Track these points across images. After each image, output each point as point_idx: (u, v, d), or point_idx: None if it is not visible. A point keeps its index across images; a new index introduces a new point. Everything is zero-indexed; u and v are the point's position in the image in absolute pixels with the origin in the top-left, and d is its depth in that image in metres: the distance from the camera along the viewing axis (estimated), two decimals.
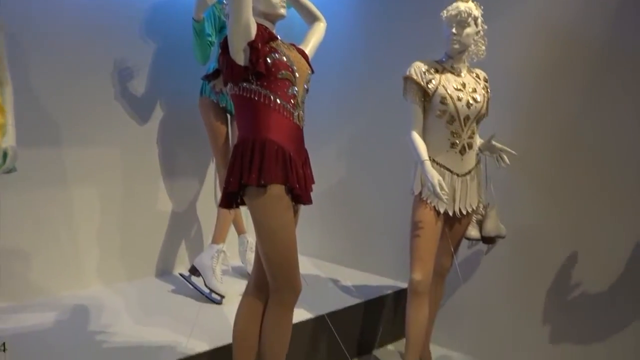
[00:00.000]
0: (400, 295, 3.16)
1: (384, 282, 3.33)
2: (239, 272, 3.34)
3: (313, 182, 2.12)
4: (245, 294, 2.13)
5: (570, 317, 2.72)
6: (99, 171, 3.05)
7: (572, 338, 2.71)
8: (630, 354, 2.54)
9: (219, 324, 2.56)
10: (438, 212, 2.49)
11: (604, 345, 2.61)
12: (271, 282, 2.03)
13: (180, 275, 3.04)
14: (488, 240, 2.70)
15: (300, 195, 1.98)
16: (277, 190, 1.91)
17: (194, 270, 2.97)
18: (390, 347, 3.18)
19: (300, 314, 2.70)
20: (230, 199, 1.99)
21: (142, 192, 3.23)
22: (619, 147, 2.57)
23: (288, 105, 1.96)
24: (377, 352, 3.05)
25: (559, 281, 2.76)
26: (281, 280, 2.00)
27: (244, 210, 2.91)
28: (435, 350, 2.97)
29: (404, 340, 2.61)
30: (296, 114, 1.99)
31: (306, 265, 3.52)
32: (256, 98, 1.93)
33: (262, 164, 1.89)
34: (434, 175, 2.36)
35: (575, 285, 2.71)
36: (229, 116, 3.03)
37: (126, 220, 3.16)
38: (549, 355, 2.79)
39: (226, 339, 2.25)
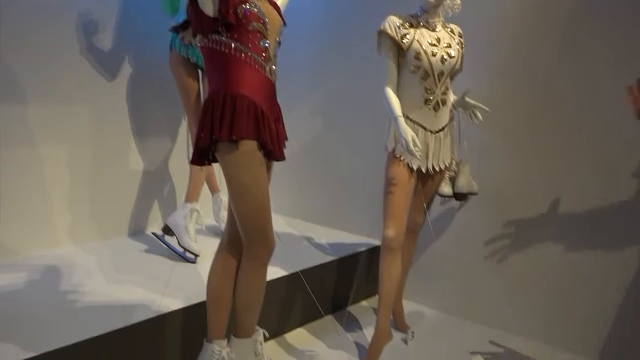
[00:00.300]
0: (373, 253, 3.20)
1: (358, 239, 3.36)
2: (213, 231, 3.33)
3: (286, 139, 2.09)
4: (219, 251, 2.12)
5: (544, 272, 2.79)
6: (67, 129, 2.96)
7: (546, 293, 2.79)
8: (607, 305, 2.62)
9: (193, 282, 2.56)
10: (411, 169, 2.50)
11: (580, 298, 2.68)
12: (244, 238, 2.01)
13: (153, 234, 3.01)
14: (460, 196, 2.72)
15: (272, 151, 1.95)
16: (249, 146, 1.88)
17: (167, 230, 2.94)
18: (364, 303, 3.23)
19: (274, 272, 2.71)
20: (201, 155, 1.95)
21: (112, 151, 3.16)
22: (593, 103, 2.59)
23: (259, 58, 1.91)
24: (351, 308, 3.10)
25: (531, 237, 2.81)
26: (254, 236, 1.98)
27: (217, 169, 2.86)
28: (407, 305, 3.03)
29: (377, 297, 2.65)
30: (268, 67, 1.94)
31: (280, 224, 3.52)
32: (226, 50, 1.87)
33: (233, 118, 1.85)
34: (408, 131, 2.35)
35: (546, 241, 2.76)
36: (200, 72, 2.95)
37: (97, 180, 3.10)
38: (522, 311, 2.86)
39: (200, 296, 2.24)
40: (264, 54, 1.92)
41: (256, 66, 1.90)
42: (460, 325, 2.98)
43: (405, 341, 2.75)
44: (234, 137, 1.84)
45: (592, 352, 2.63)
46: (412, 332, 2.76)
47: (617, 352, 2.57)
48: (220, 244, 2.12)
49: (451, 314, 3.08)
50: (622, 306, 2.56)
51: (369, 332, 2.70)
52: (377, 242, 3.09)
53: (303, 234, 3.43)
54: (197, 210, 2.96)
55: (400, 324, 2.88)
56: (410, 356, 2.64)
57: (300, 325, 2.87)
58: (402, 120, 2.39)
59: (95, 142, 3.07)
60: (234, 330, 2.20)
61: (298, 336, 2.78)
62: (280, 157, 2.01)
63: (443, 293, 3.13)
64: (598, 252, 2.62)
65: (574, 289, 2.69)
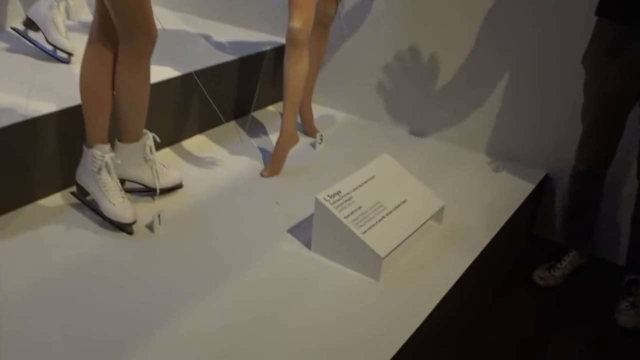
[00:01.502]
0: (280, 53, 3.09)
1: (262, 37, 3.24)
2: (88, 27, 3.06)
3: None
4: (90, 42, 1.99)
5: (460, 77, 2.85)
6: None
7: (458, 95, 2.88)
8: (525, 110, 2.76)
9: (67, 84, 2.39)
10: None
11: (490, 100, 2.81)
12: (119, 27, 1.88)
13: (13, 29, 2.74)
14: None
15: None
16: None
17: (29, 23, 2.68)
18: (270, 108, 3.23)
19: (165, 72, 2.61)
20: None
21: None
22: None
23: None
24: (255, 114, 3.09)
25: (450, 37, 2.81)
26: (130, 23, 1.86)
27: None
28: (317, 110, 3.05)
29: None
30: None
31: (173, 21, 3.30)
32: None
33: None
34: None
35: (462, 43, 2.78)
36: None
37: None
38: (434, 113, 2.97)
39: (76, 99, 2.13)
40: None
41: None
42: (372, 127, 3.07)
43: (313, 145, 2.82)
44: None
45: (499, 151, 2.84)
46: (321, 136, 2.82)
47: (523, 153, 2.79)
48: (91, 33, 1.99)
49: (363, 117, 3.15)
50: (528, 109, 2.73)
51: (275, 138, 2.71)
52: (284, 41, 3.00)
53: (199, 31, 3.26)
54: (66, 0, 2.69)
55: (308, 129, 2.92)
56: (317, 159, 2.72)
57: (199, 132, 2.86)
58: None
59: None
60: (119, 135, 2.17)
61: (196, 143, 2.77)
62: None
63: (355, 95, 3.16)
64: (514, 59, 2.69)
65: (487, 90, 2.80)
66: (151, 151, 2.19)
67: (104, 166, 2.04)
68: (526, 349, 2.23)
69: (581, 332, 2.32)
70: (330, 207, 1.96)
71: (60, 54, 2.67)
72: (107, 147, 2.07)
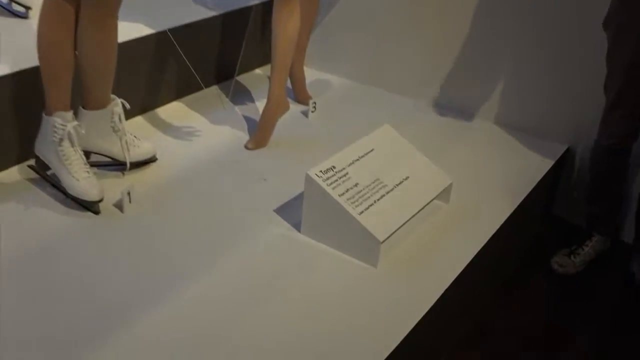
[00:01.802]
0: (268, 8, 3.03)
1: None
2: None
3: None
4: None
5: (461, 41, 2.82)
6: None
7: (459, 56, 2.85)
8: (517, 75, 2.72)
9: (26, 42, 2.33)
10: None
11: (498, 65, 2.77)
12: None
13: None
14: None
15: None
16: None
17: None
18: (258, 71, 3.23)
19: (136, 29, 2.57)
20: None
21: None
22: None
23: None
24: (241, 78, 3.07)
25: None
26: None
27: None
28: (310, 74, 3.04)
29: None
30: None
31: None
32: None
33: None
34: None
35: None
36: None
37: None
38: (438, 78, 2.95)
39: (36, 59, 2.09)
40: None
41: None
42: (371, 94, 3.05)
43: (305, 114, 2.80)
44: None
45: (515, 122, 2.82)
46: (314, 103, 2.80)
47: (542, 124, 2.76)
48: None
49: (361, 82, 3.13)
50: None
51: (262, 105, 2.69)
52: None
53: None
54: None
55: (300, 95, 2.91)
56: (309, 130, 2.71)
57: (176, 98, 2.84)
58: None
59: None
60: (83, 101, 2.16)
61: (173, 110, 2.75)
62: None
63: (353, 58, 3.14)
64: (532, 19, 2.66)
65: (502, 53, 2.77)
66: (120, 120, 2.17)
67: (66, 137, 2.02)
68: (541, 342, 2.22)
69: (603, 324, 2.31)
70: (323, 184, 1.93)
71: (16, 7, 2.62)
72: (70, 115, 2.04)
